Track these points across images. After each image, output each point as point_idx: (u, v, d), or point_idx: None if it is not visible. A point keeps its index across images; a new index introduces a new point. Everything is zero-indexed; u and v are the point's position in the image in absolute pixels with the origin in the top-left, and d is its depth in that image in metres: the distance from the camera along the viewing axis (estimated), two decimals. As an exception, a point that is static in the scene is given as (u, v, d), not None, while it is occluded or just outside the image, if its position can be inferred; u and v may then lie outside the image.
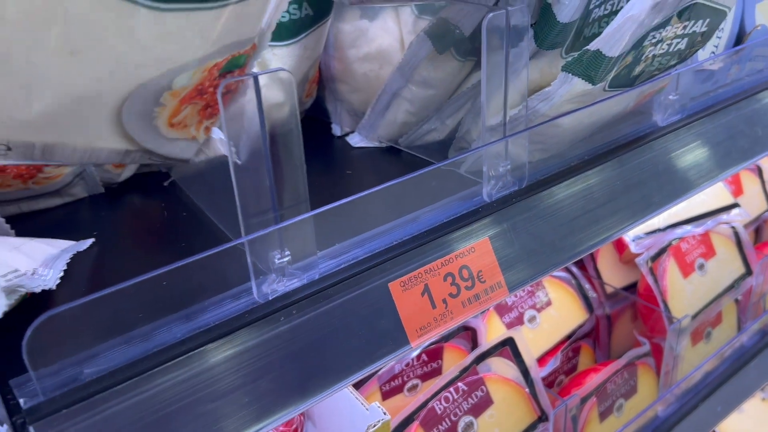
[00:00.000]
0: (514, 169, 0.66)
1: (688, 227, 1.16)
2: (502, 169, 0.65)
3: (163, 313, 0.51)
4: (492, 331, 1.06)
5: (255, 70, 0.48)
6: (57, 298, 0.56)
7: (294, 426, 0.88)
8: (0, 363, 0.47)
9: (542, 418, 0.93)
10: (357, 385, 0.93)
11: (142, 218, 0.70)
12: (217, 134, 0.50)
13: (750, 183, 1.43)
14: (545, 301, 1.12)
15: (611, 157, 0.74)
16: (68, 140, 0.46)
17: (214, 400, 0.49)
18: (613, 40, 0.57)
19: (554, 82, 0.62)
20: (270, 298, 0.53)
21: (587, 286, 1.16)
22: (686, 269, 1.13)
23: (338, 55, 0.82)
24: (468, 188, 0.66)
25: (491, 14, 0.58)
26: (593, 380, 0.99)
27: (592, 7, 0.64)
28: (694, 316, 1.13)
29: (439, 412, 0.85)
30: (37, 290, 0.51)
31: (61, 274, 0.57)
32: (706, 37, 0.68)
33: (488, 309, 1.08)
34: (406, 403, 0.89)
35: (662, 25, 0.61)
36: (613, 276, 1.21)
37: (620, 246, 1.19)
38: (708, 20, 0.66)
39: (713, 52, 0.88)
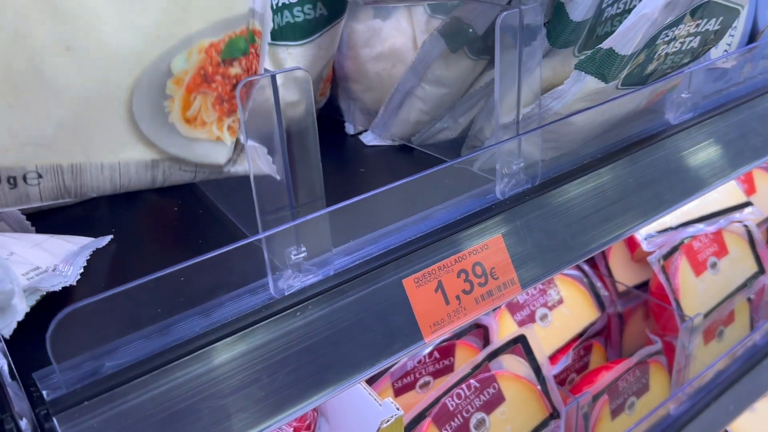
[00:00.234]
0: (527, 167, 0.67)
1: (700, 226, 1.16)
2: (515, 166, 0.66)
3: (182, 308, 0.52)
4: (504, 329, 1.06)
5: (270, 69, 0.49)
6: (77, 294, 0.57)
7: (307, 421, 0.89)
8: (23, 357, 0.48)
9: (554, 415, 0.93)
10: (369, 382, 0.93)
11: (159, 215, 0.71)
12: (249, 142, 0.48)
13: (763, 181, 1.43)
14: (557, 299, 1.13)
15: (623, 155, 0.74)
16: (93, 156, 0.46)
17: (230, 394, 0.50)
18: (625, 39, 0.58)
19: (567, 81, 0.63)
20: (286, 294, 0.54)
21: (599, 284, 1.16)
22: (698, 268, 1.13)
23: (352, 55, 0.83)
24: (481, 186, 0.67)
25: (504, 13, 0.58)
26: (605, 378, 1.00)
27: (604, 5, 0.64)
28: (707, 315, 1.12)
29: (451, 408, 0.85)
30: (58, 288, 0.52)
31: (81, 270, 0.58)
32: (719, 35, 0.68)
33: (501, 306, 1.09)
34: (418, 399, 0.89)
35: (675, 23, 0.61)
36: (625, 274, 1.21)
37: (632, 244, 1.19)
38: (721, 18, 0.66)
39: (726, 50, 0.88)
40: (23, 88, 0.41)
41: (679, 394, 1.09)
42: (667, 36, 0.62)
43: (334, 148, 0.84)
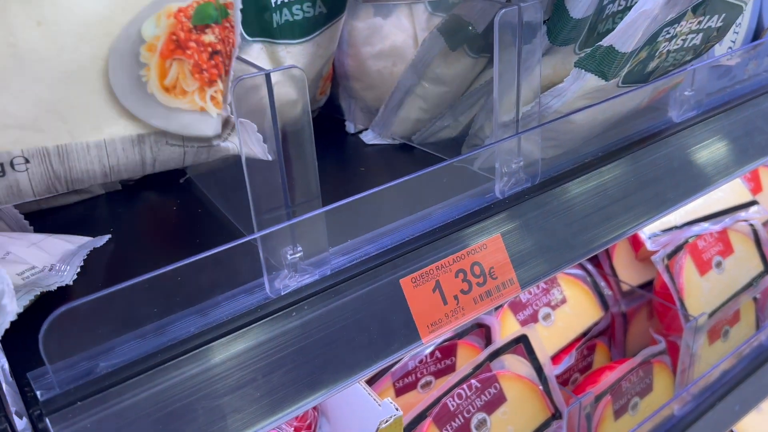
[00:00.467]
0: (527, 166, 0.66)
1: (705, 224, 1.15)
2: (514, 165, 0.65)
3: (177, 308, 0.51)
4: (506, 329, 1.06)
5: (268, 68, 0.49)
6: (74, 293, 0.57)
7: (308, 421, 0.89)
8: (20, 356, 0.48)
9: (556, 415, 0.92)
10: (370, 382, 0.93)
11: (157, 215, 0.71)
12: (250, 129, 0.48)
13: (769, 180, 1.42)
14: (560, 298, 1.12)
15: (625, 154, 0.74)
16: (78, 136, 0.45)
17: (225, 395, 0.50)
18: (626, 36, 0.57)
19: (567, 78, 0.62)
20: (282, 294, 0.54)
21: (602, 283, 1.16)
22: (703, 267, 1.12)
23: (352, 53, 0.83)
24: (481, 185, 0.66)
25: (503, 10, 0.58)
26: (608, 378, 0.99)
27: (605, 2, 0.64)
28: (711, 315, 1.12)
29: (452, 408, 0.85)
30: (53, 288, 0.52)
31: (78, 270, 0.58)
32: (722, 32, 0.68)
33: (503, 305, 1.08)
34: (419, 399, 0.89)
35: (676, 20, 0.60)
36: (629, 273, 1.20)
37: (636, 243, 1.18)
38: (724, 15, 0.65)
39: (730, 48, 0.87)
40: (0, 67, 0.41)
41: (683, 395, 1.08)
42: (669, 33, 0.61)
43: (334, 147, 0.83)
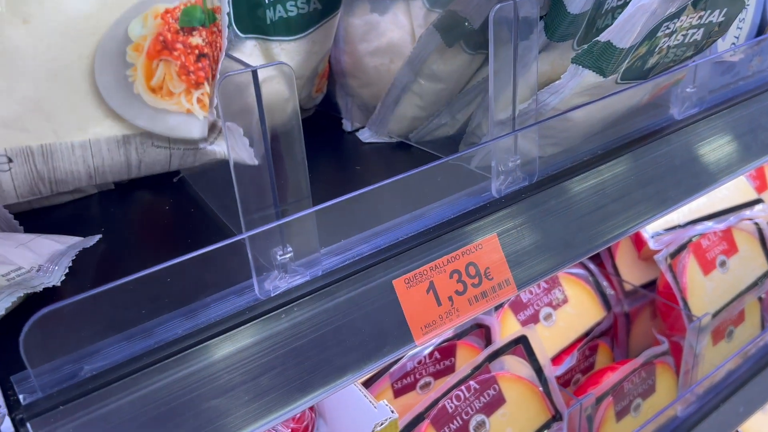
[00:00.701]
0: (524, 164, 0.65)
1: (709, 223, 1.14)
2: (511, 164, 0.64)
3: (164, 310, 0.50)
4: (507, 329, 1.04)
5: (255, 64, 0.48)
6: (61, 295, 0.56)
7: (305, 422, 0.88)
8: (5, 359, 0.47)
9: (556, 417, 0.91)
10: (368, 382, 0.92)
11: (150, 215, 0.70)
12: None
13: (775, 178, 1.40)
14: (561, 298, 1.11)
15: (625, 152, 0.72)
16: (63, 135, 0.45)
17: (213, 398, 0.49)
18: (623, 31, 0.56)
19: (564, 75, 0.61)
20: (272, 295, 0.53)
21: (605, 283, 1.14)
22: (707, 266, 1.10)
23: (348, 50, 0.82)
24: (477, 183, 0.65)
25: (499, 5, 0.57)
26: (610, 379, 0.98)
27: (604, -3, 0.62)
28: (715, 315, 1.10)
29: (450, 410, 0.84)
30: (39, 289, 0.51)
31: (66, 270, 0.57)
32: (723, 27, 0.66)
33: (504, 305, 1.07)
34: (418, 400, 0.88)
35: (676, 15, 0.59)
36: (632, 273, 1.19)
37: (639, 242, 1.17)
38: (725, 10, 0.64)
39: (734, 43, 0.85)
40: None
41: (687, 395, 1.07)
42: (668, 28, 0.60)
43: (330, 146, 0.82)
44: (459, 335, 0.97)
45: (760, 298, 1.22)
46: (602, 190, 0.69)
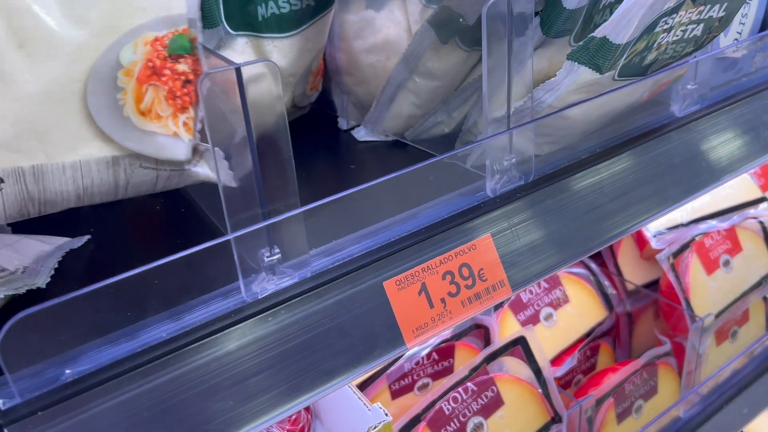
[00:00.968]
0: (520, 163, 0.64)
1: (712, 222, 1.12)
2: (506, 163, 0.63)
3: (148, 312, 0.49)
4: (506, 329, 1.03)
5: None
6: (47, 296, 0.55)
7: (301, 424, 0.87)
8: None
9: (555, 419, 0.90)
10: (365, 383, 0.91)
11: (140, 215, 0.69)
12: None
13: (781, 176, 1.38)
14: (562, 298, 1.09)
15: (624, 150, 0.71)
16: (54, 156, 0.46)
17: (198, 403, 0.48)
18: (619, 27, 0.54)
19: (560, 72, 0.60)
20: (259, 297, 0.51)
21: (606, 282, 1.13)
22: (710, 266, 1.09)
23: (344, 47, 0.80)
24: (472, 183, 0.64)
25: (492, 1, 0.55)
26: (610, 380, 0.96)
27: (601, -8, 0.61)
28: (718, 315, 1.08)
29: (447, 412, 0.82)
30: (22, 291, 0.50)
31: (52, 272, 0.56)
32: (724, 22, 0.65)
33: (503, 305, 1.06)
34: (416, 402, 0.87)
35: (675, 10, 0.58)
36: (635, 272, 1.17)
37: (641, 241, 1.15)
38: (726, 4, 0.62)
39: (736, 39, 0.84)
40: None
41: (689, 397, 1.05)
42: (667, 24, 0.58)
43: (325, 144, 0.81)
44: (457, 336, 0.96)
45: (764, 298, 1.20)
46: (600, 189, 0.68)
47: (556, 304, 1.08)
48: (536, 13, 0.63)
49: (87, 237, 0.63)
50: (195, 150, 0.52)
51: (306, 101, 0.84)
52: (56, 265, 0.56)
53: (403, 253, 0.57)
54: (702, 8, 0.60)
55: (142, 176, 0.50)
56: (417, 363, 0.93)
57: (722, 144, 0.78)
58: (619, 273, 1.16)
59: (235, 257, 0.49)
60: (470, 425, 0.84)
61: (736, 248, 1.13)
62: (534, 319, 1.07)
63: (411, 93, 0.75)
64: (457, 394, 0.83)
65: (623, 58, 0.59)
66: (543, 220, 0.64)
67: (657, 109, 0.76)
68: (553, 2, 0.60)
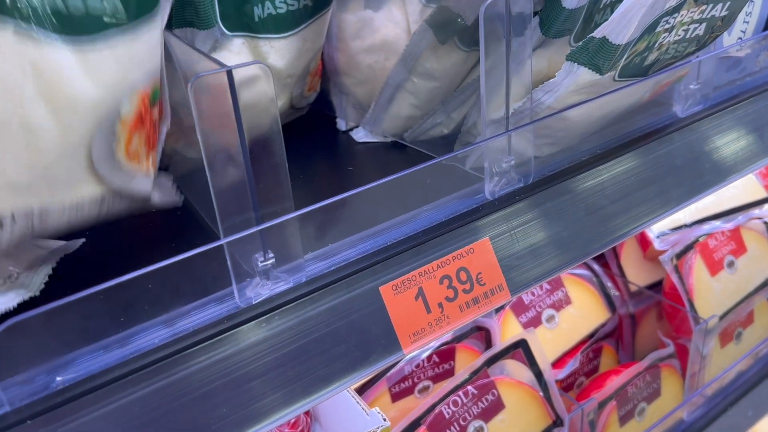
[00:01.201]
0: (519, 165, 0.63)
1: (716, 223, 1.11)
2: (505, 165, 0.62)
3: (141, 318, 0.49)
4: (508, 331, 1.02)
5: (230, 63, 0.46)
6: (42, 301, 0.55)
7: (300, 428, 0.87)
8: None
9: (557, 422, 0.89)
10: (365, 387, 0.90)
11: (136, 218, 0.68)
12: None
13: (786, 175, 1.36)
14: (564, 300, 1.08)
15: (626, 151, 0.70)
16: (59, 197, 0.50)
17: (191, 409, 0.47)
18: (620, 27, 0.53)
19: (559, 73, 0.59)
20: (253, 302, 0.51)
21: (609, 284, 1.12)
22: (714, 267, 1.08)
23: (342, 47, 0.80)
24: (470, 185, 0.63)
25: (489, 1, 0.54)
26: (613, 383, 0.95)
27: (601, -9, 0.60)
28: (723, 317, 1.07)
29: (447, 416, 0.82)
30: (13, 304, 0.50)
31: (46, 279, 0.56)
32: (727, 21, 0.64)
33: (504, 307, 1.05)
34: (416, 404, 0.86)
35: (676, 9, 0.57)
36: (638, 273, 1.16)
37: (644, 242, 1.14)
38: (728, 3, 0.61)
39: (740, 38, 0.83)
40: (9, 137, 0.45)
41: (693, 399, 1.04)
42: (668, 23, 0.57)
43: (323, 145, 0.80)
44: (458, 338, 0.95)
45: (769, 299, 1.19)
46: (601, 191, 0.67)
47: (558, 306, 1.08)
48: (535, 13, 0.62)
49: (82, 240, 0.62)
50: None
51: (304, 102, 0.83)
52: (50, 272, 0.56)
53: (399, 257, 0.56)
54: (704, 7, 0.59)
55: (117, 209, 0.55)
56: (417, 366, 0.92)
57: (726, 145, 0.77)
58: (622, 274, 1.15)
59: (229, 262, 0.49)
60: (471, 429, 0.83)
61: (740, 249, 1.11)
62: (536, 321, 1.06)
63: (409, 94, 0.74)
64: (457, 398, 0.82)
65: (624, 59, 0.58)
66: (543, 223, 0.63)
67: (659, 110, 0.75)
68: (553, 2, 0.59)
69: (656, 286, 1.17)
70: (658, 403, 1.02)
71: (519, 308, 1.06)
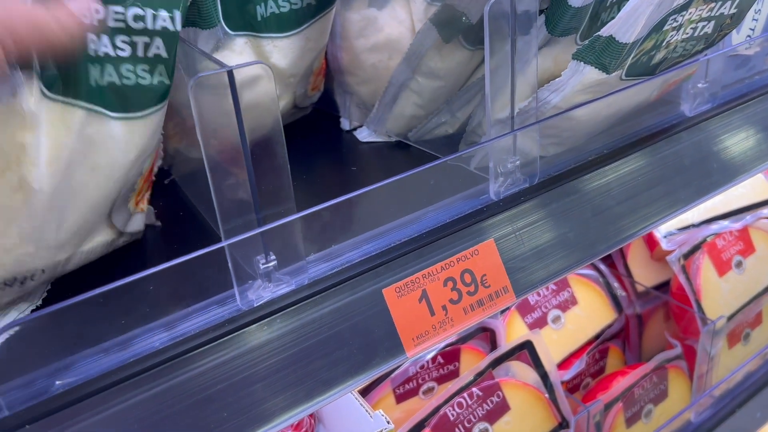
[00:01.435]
0: (524, 165, 0.62)
1: (725, 222, 1.10)
2: (510, 165, 0.61)
3: (141, 321, 0.48)
4: (513, 332, 1.02)
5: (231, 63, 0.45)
6: (42, 304, 0.54)
7: (304, 429, 0.86)
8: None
9: (563, 424, 0.88)
10: (369, 388, 0.90)
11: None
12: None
13: (795, 174, 1.35)
14: (570, 300, 1.07)
15: (632, 151, 0.69)
16: (81, 246, 0.53)
17: (191, 414, 0.46)
18: (627, 25, 0.53)
19: (565, 72, 0.58)
20: (255, 305, 0.50)
21: (616, 284, 1.11)
22: (722, 267, 1.06)
23: (345, 46, 0.79)
24: (475, 186, 0.62)
25: (494, -1, 0.54)
26: (619, 384, 0.94)
27: (607, -11, 0.59)
28: (730, 317, 1.06)
29: (452, 418, 0.81)
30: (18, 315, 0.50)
31: (48, 286, 0.55)
32: (736, 19, 0.63)
33: (510, 308, 1.04)
34: (421, 406, 0.85)
35: (684, 7, 0.56)
36: (645, 274, 1.15)
37: (651, 242, 1.13)
38: (737, 1, 0.60)
39: (749, 36, 0.82)
40: (55, 203, 0.48)
41: (701, 401, 1.03)
42: (676, 21, 0.57)
43: (327, 145, 0.80)
44: (463, 339, 0.95)
45: (778, 300, 1.17)
46: (608, 191, 0.66)
47: (564, 306, 1.07)
48: (541, 11, 0.61)
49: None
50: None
51: (307, 102, 0.83)
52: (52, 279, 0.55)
53: (403, 259, 0.55)
54: (713, 5, 0.58)
55: (118, 245, 0.60)
56: (422, 367, 0.92)
57: (735, 144, 0.76)
58: (629, 274, 1.14)
59: (230, 264, 0.48)
60: (476, 431, 0.82)
61: (748, 249, 1.10)
62: (542, 322, 1.05)
63: (414, 93, 0.74)
64: (462, 400, 0.82)
65: (631, 57, 0.57)
66: (548, 224, 0.62)
67: (666, 109, 0.74)
68: (559, 0, 0.59)
69: (663, 287, 1.16)
70: (665, 404, 1.01)
71: (524, 309, 1.05)
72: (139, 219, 0.60)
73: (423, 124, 0.76)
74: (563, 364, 1.04)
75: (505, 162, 0.61)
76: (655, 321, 1.15)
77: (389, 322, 0.53)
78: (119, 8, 0.47)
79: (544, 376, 0.88)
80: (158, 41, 0.50)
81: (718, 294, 1.05)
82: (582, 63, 0.56)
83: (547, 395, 0.88)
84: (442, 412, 0.81)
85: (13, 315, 0.52)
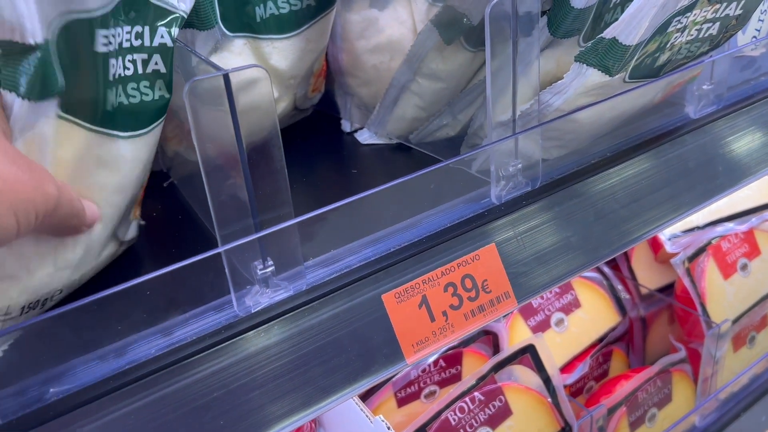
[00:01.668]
0: (526, 169, 0.61)
1: (730, 225, 1.09)
2: (512, 168, 0.60)
3: (137, 328, 0.48)
4: (516, 335, 1.01)
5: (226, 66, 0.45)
6: (37, 308, 0.54)
7: (304, 433, 0.86)
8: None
9: (566, 429, 0.87)
10: (370, 392, 0.89)
11: (137, 221, 0.67)
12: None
13: (801, 176, 1.33)
14: (574, 303, 1.06)
15: (637, 154, 0.68)
16: (91, 263, 0.54)
17: (188, 422, 0.46)
18: (630, 27, 0.52)
19: (567, 74, 0.57)
20: (252, 311, 0.50)
21: (620, 287, 1.10)
22: (727, 270, 1.05)
23: (346, 47, 0.78)
24: (476, 189, 0.61)
25: (495, 0, 0.53)
26: (623, 388, 0.93)
27: (611, -10, 0.58)
28: (736, 320, 1.05)
29: (453, 423, 0.80)
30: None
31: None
32: (741, 20, 0.62)
33: (512, 311, 1.03)
34: (423, 409, 0.85)
35: (689, 8, 0.55)
36: (649, 276, 1.14)
37: (655, 245, 1.12)
38: (743, 2, 0.59)
39: (755, 37, 0.81)
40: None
41: (705, 405, 1.02)
42: (680, 23, 0.56)
43: (327, 147, 0.79)
44: (465, 342, 0.94)
45: (784, 303, 1.16)
46: (611, 195, 0.65)
47: (567, 309, 1.06)
48: (543, 13, 0.61)
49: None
50: None
51: (308, 103, 0.82)
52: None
53: (402, 264, 0.55)
54: (718, 6, 0.58)
55: (119, 254, 0.60)
56: (423, 370, 0.91)
57: (740, 146, 0.75)
58: (633, 277, 1.13)
59: (226, 270, 0.48)
60: (477, 436, 0.82)
61: (754, 251, 1.09)
62: (545, 325, 1.04)
63: (415, 95, 0.73)
64: (463, 404, 0.81)
65: (634, 59, 0.56)
66: (551, 228, 0.62)
67: (671, 111, 0.73)
68: (561, 1, 0.58)
69: (667, 289, 1.15)
70: (669, 408, 1.00)
71: (527, 312, 1.04)
72: (135, 226, 0.60)
73: (424, 126, 0.75)
74: (566, 368, 1.03)
75: (506, 165, 0.60)
76: (659, 324, 1.14)
77: (388, 329, 0.52)
78: (128, 27, 0.48)
79: (546, 380, 0.87)
80: (156, 57, 0.50)
81: (723, 297, 1.04)
82: (585, 65, 0.55)
83: (549, 399, 0.87)
84: (443, 416, 0.80)
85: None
